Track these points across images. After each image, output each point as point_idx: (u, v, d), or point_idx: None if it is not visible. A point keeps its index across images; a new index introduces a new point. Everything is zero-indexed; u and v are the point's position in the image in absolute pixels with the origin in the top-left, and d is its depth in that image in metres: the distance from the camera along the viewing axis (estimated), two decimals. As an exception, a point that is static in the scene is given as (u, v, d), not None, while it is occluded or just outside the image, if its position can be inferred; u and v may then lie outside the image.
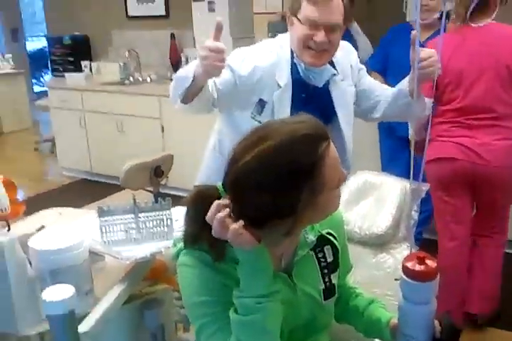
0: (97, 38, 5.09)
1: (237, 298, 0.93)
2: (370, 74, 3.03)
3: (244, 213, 0.91)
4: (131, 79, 4.51)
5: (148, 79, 4.47)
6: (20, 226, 1.43)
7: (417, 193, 1.65)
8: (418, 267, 0.89)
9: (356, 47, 3.57)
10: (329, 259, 1.10)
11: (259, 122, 1.58)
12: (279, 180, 0.89)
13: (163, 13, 4.65)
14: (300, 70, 1.61)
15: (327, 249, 1.11)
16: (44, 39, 5.15)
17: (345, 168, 1.02)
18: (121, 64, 4.57)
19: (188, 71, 1.43)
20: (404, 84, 1.63)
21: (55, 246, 1.13)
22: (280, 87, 1.61)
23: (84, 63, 4.76)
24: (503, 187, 2.12)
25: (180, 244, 1.02)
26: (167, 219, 1.42)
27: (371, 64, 3.02)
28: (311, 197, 0.90)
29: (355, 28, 3.42)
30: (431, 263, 0.90)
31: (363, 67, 1.82)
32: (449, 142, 2.07)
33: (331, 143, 0.94)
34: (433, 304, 0.92)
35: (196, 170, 1.89)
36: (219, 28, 1.35)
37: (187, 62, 4.41)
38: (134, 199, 1.44)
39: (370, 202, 1.67)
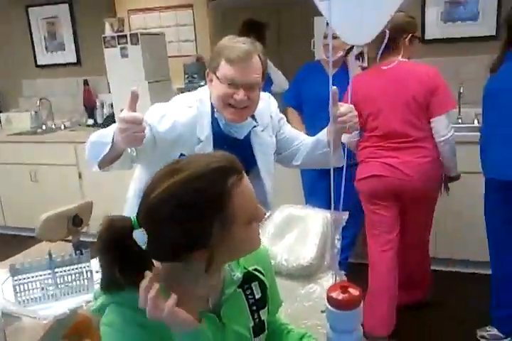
0: (7, 88, 4.92)
1: None
2: (286, 109, 3.18)
3: (159, 246, 0.91)
4: (43, 127, 4.39)
5: (63, 127, 4.37)
6: None
7: (338, 222, 1.70)
8: (341, 296, 0.90)
9: (271, 82, 3.73)
10: (257, 296, 1.10)
11: None
12: (188, 211, 0.89)
13: (75, 60, 4.61)
14: (221, 124, 1.63)
15: (255, 286, 1.10)
16: None
17: (266, 209, 1.04)
18: (33, 113, 4.44)
19: (105, 136, 1.39)
20: (323, 134, 1.68)
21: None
22: (201, 141, 1.62)
23: (-9, 115, 4.57)
24: (426, 200, 2.41)
25: (102, 298, 0.98)
26: (87, 272, 1.36)
27: (286, 99, 3.14)
28: (222, 230, 0.90)
29: (269, 64, 3.56)
30: (354, 291, 0.91)
31: (283, 116, 1.88)
32: (376, 162, 2.38)
33: (244, 177, 0.95)
34: (359, 332, 0.94)
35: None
36: (134, 98, 1.32)
37: (102, 107, 4.36)
38: (50, 254, 1.37)
39: (295, 234, 1.70)
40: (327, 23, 1.21)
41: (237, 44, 1.53)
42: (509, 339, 2.33)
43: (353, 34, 1.24)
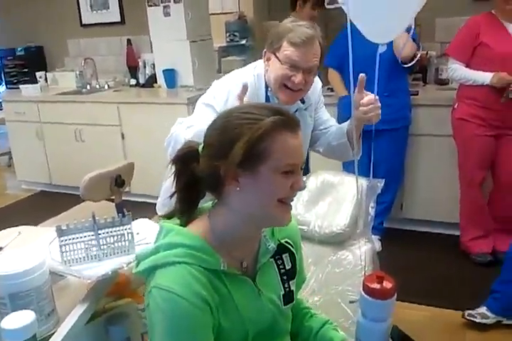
0: (52, 48, 5.01)
1: None
2: (327, 70, 3.12)
3: (206, 168, 1.00)
4: (88, 87, 4.46)
5: (106, 87, 4.43)
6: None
7: (373, 190, 1.70)
8: (378, 286, 0.94)
9: None
10: (288, 266, 1.13)
11: None
12: (226, 129, 0.98)
13: (118, 19, 4.62)
14: (272, 102, 1.67)
15: (285, 257, 1.13)
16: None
17: None
18: (78, 72, 4.51)
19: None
20: (346, 124, 1.71)
21: (14, 269, 1.12)
22: None
23: (39, 74, 4.68)
24: None
25: (147, 260, 1.00)
26: (128, 234, 1.42)
27: (327, 61, 3.08)
28: (250, 162, 0.95)
29: None
30: (388, 283, 0.95)
31: (323, 99, 1.91)
32: None
33: (293, 134, 0.98)
34: (389, 322, 0.97)
35: (159, 176, 1.89)
36: (244, 91, 1.43)
37: (145, 66, 4.39)
38: (94, 216, 1.43)
39: (329, 201, 1.71)
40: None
41: (301, 28, 1.54)
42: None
43: (376, 32, 1.23)
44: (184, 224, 1.06)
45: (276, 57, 1.58)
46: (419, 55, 2.95)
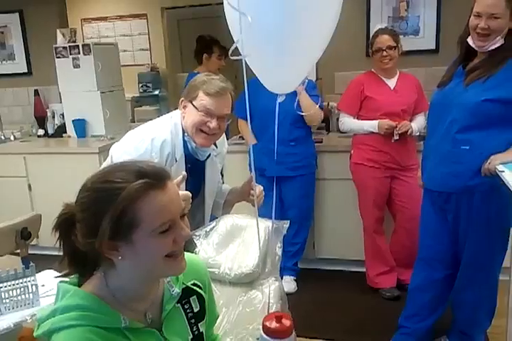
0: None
1: None
2: (238, 120, 3.26)
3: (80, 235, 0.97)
4: (-8, 138, 4.29)
5: (12, 137, 4.30)
6: None
7: (279, 231, 1.79)
8: (275, 325, 0.95)
9: None
10: (196, 309, 1.13)
11: None
12: (89, 200, 0.96)
13: (25, 70, 4.56)
14: (189, 147, 1.86)
15: (193, 300, 1.13)
16: None
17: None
18: (-18, 123, 4.35)
19: None
20: (228, 191, 2.10)
21: None
22: (176, 160, 1.85)
23: None
24: None
25: (50, 321, 0.97)
26: (32, 286, 1.38)
27: (237, 112, 3.23)
28: (120, 231, 0.93)
29: None
30: (286, 321, 0.96)
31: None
32: None
33: (161, 190, 0.95)
34: None
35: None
36: (183, 180, 1.50)
37: (53, 117, 4.33)
38: (-6, 269, 1.39)
39: (239, 243, 1.77)
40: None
41: (215, 81, 1.78)
42: None
43: (275, 83, 1.35)
44: (80, 283, 1.03)
45: (193, 105, 1.78)
46: (319, 103, 3.19)
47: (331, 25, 1.35)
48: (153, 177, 0.95)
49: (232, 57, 1.52)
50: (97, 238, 0.93)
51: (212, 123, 1.77)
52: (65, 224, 1.00)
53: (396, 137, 2.87)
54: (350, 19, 3.65)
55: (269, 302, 1.52)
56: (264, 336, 0.95)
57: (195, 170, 1.91)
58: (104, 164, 1.85)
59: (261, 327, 0.98)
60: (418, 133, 2.96)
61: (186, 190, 1.79)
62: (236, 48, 1.27)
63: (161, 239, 0.95)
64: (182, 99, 1.84)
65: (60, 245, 1.02)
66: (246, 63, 1.34)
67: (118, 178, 0.94)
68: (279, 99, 1.41)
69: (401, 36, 3.04)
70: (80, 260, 1.01)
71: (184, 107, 1.83)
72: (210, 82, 1.77)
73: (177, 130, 1.85)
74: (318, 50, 1.39)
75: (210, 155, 1.95)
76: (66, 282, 1.04)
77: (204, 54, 3.67)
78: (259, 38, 1.26)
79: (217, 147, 1.98)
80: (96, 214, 0.94)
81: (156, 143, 1.80)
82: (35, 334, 1.01)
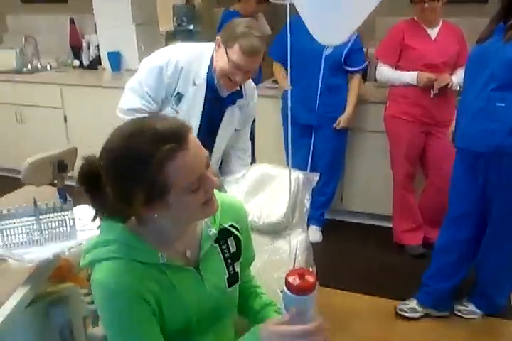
0: (-11, 23, 4.79)
1: None
2: (272, 63, 3.19)
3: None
4: (29, 66, 4.30)
5: (48, 67, 4.30)
6: None
7: (309, 183, 1.80)
8: (297, 281, 0.95)
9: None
10: (232, 250, 1.19)
11: (176, 111, 1.96)
12: (116, 168, 0.96)
13: (61, -3, 4.47)
14: (214, 79, 1.93)
15: (230, 241, 1.19)
16: None
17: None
18: (18, 50, 4.34)
19: None
20: None
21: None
22: (195, 84, 1.93)
23: (-25, 50, 4.46)
24: None
25: (93, 252, 1.05)
26: (69, 220, 1.45)
27: (272, 53, 3.15)
28: (151, 196, 0.95)
29: (262, 21, 3.64)
30: (309, 278, 0.96)
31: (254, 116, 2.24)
32: None
33: (185, 149, 0.95)
34: (310, 316, 0.97)
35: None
36: None
37: (89, 48, 4.29)
38: (35, 202, 1.44)
39: (268, 192, 1.79)
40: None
41: (253, 38, 1.80)
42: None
43: (326, 34, 1.27)
44: (123, 221, 1.06)
45: (226, 53, 1.82)
46: (365, 63, 3.11)
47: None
48: (174, 139, 0.94)
49: (274, 1, 1.44)
50: (130, 205, 0.96)
51: (239, 76, 1.85)
52: (91, 180, 0.99)
53: (435, 91, 2.77)
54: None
55: (295, 255, 1.56)
56: (287, 292, 0.97)
57: (216, 106, 2.01)
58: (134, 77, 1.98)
59: (284, 280, 0.99)
60: (458, 88, 2.85)
61: (202, 119, 1.98)
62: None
63: (193, 195, 0.99)
64: (219, 38, 1.87)
65: (89, 199, 1.02)
66: (291, 9, 1.26)
67: (142, 145, 0.94)
68: (326, 52, 1.35)
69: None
70: (112, 212, 1.02)
71: (219, 46, 1.87)
72: (248, 38, 1.79)
73: (205, 56, 1.93)
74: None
75: (234, 100, 2.02)
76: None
77: (244, -7, 3.53)
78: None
79: (243, 96, 2.04)
80: (125, 183, 0.95)
81: (170, 65, 1.89)
82: (81, 264, 1.08)
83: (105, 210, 1.02)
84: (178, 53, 1.93)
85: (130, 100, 1.97)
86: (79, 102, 3.83)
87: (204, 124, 1.99)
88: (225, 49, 1.83)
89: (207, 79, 1.94)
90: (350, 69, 2.97)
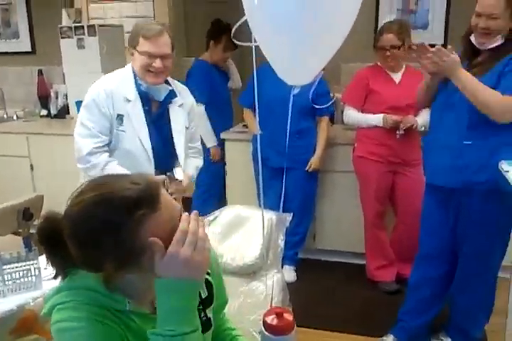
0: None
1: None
2: (243, 110, 3.24)
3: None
4: (-5, 117, 4.27)
5: (15, 117, 4.27)
6: None
7: (282, 223, 1.79)
8: (276, 321, 0.93)
9: (228, 78, 3.85)
10: (204, 295, 1.14)
11: (123, 131, 2.08)
12: (84, 234, 0.90)
13: (29, 49, 4.51)
14: (143, 88, 2.09)
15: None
16: None
17: None
18: (-16, 101, 4.32)
19: None
20: None
21: None
22: (130, 100, 2.08)
23: None
24: None
25: (53, 299, 0.99)
26: (34, 269, 1.39)
27: (241, 100, 3.22)
28: (123, 262, 0.91)
29: (230, 61, 3.70)
30: (287, 317, 0.94)
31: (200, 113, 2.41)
32: None
33: (161, 209, 0.92)
34: None
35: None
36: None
37: (57, 97, 4.30)
38: (-2, 251, 1.39)
39: (241, 234, 1.77)
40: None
41: (151, 25, 2.03)
42: None
43: (291, 74, 1.28)
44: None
45: (137, 51, 2.03)
46: (332, 100, 3.22)
47: (354, 11, 1.28)
48: (146, 204, 0.90)
49: (240, 43, 1.47)
50: (99, 271, 0.92)
51: (157, 63, 2.00)
52: (51, 240, 0.95)
53: (401, 132, 2.86)
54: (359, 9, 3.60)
55: (272, 295, 1.52)
56: (266, 333, 0.93)
57: (158, 114, 2.15)
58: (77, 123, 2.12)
59: (261, 322, 0.96)
60: (423, 128, 2.95)
61: (150, 130, 2.12)
62: (247, 34, 1.23)
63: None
64: (127, 47, 2.09)
65: (46, 257, 0.98)
66: (256, 51, 1.28)
67: (110, 216, 0.89)
68: (294, 91, 1.37)
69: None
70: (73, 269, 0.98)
71: (132, 54, 2.07)
72: (146, 26, 2.02)
73: (126, 74, 2.10)
74: (340, 38, 1.28)
75: (169, 99, 2.15)
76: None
77: (211, 40, 3.61)
78: (274, 23, 1.18)
79: (177, 95, 2.17)
80: (94, 252, 0.91)
81: (101, 94, 2.03)
82: (42, 312, 1.02)
83: (69, 268, 0.98)
84: (103, 83, 2.09)
85: (81, 146, 2.08)
86: (46, 151, 3.79)
87: (154, 133, 2.12)
88: (135, 49, 2.03)
89: (138, 92, 2.08)
90: (319, 107, 3.04)
